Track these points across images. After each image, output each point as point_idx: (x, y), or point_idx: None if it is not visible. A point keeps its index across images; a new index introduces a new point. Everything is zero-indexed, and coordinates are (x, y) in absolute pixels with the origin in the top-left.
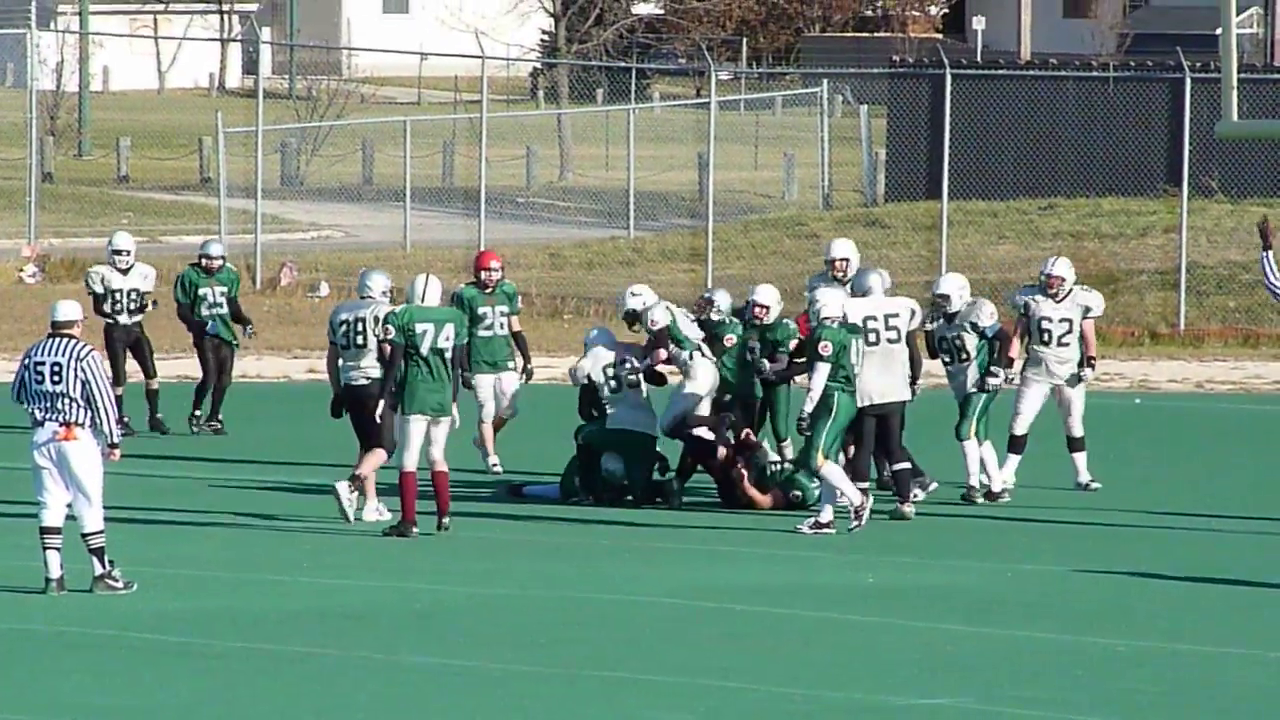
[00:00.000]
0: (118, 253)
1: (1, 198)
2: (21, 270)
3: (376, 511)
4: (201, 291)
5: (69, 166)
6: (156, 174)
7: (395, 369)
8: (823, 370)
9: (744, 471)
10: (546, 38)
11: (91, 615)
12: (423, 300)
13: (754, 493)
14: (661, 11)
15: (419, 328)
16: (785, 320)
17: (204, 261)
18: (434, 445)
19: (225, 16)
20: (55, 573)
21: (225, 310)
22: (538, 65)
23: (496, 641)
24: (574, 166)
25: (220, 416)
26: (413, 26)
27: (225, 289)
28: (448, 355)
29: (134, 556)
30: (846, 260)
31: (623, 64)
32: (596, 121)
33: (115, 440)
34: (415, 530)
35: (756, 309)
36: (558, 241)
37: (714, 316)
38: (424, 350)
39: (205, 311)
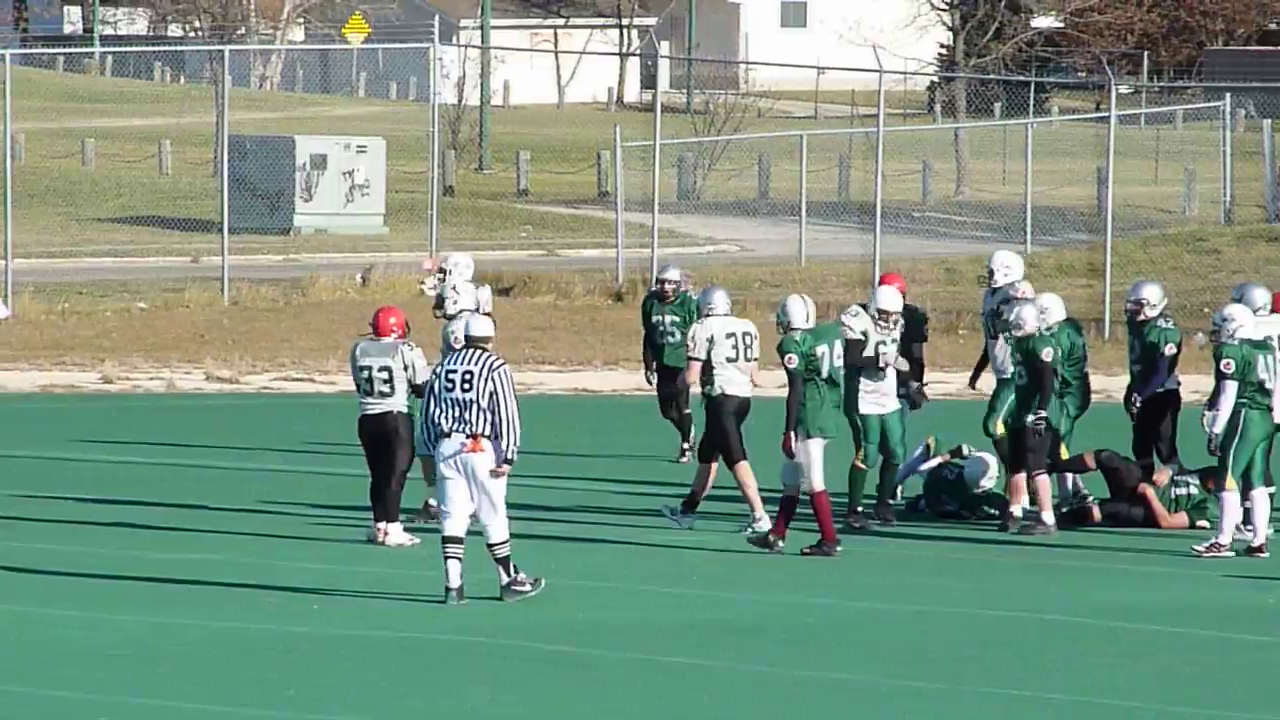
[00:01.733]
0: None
1: (404, 211)
2: (423, 283)
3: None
4: (654, 319)
5: (470, 180)
6: (555, 188)
7: (797, 395)
8: (1230, 389)
9: (1150, 491)
10: (945, 51)
11: (493, 626)
12: (807, 321)
13: (1162, 511)
14: (1062, 25)
15: (819, 350)
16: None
17: (664, 287)
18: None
19: (624, 31)
20: (455, 582)
21: (677, 339)
22: (935, 79)
23: (887, 656)
24: (970, 181)
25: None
26: (810, 40)
27: (677, 318)
28: (840, 375)
29: (531, 568)
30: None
31: (1021, 78)
32: (994, 136)
33: (511, 456)
34: (839, 549)
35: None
36: (953, 256)
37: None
38: (824, 372)
39: (658, 340)
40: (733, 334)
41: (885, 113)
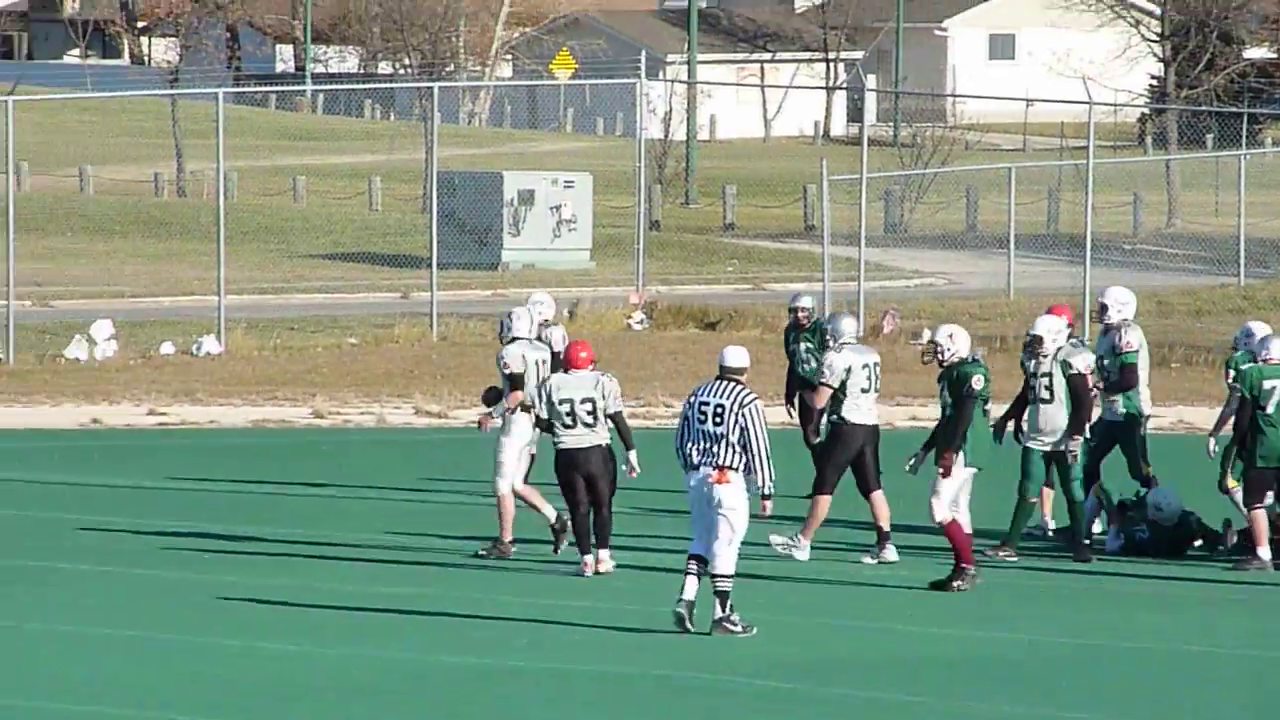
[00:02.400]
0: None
1: (610, 245)
2: (629, 317)
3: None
4: (791, 348)
5: (676, 214)
6: (761, 221)
7: (967, 418)
8: None
9: None
10: (1155, 83)
11: (706, 660)
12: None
13: None
14: (1275, 55)
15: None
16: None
17: (798, 314)
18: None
19: (831, 65)
20: (689, 595)
21: (813, 366)
22: (1146, 111)
23: (1097, 694)
24: (1182, 212)
25: None
26: (1018, 73)
27: (812, 345)
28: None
29: (738, 602)
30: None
31: (1234, 109)
32: (1206, 167)
33: (768, 491)
34: (976, 578)
35: None
36: (1165, 289)
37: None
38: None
39: (804, 368)
40: (867, 365)
41: (1095, 144)
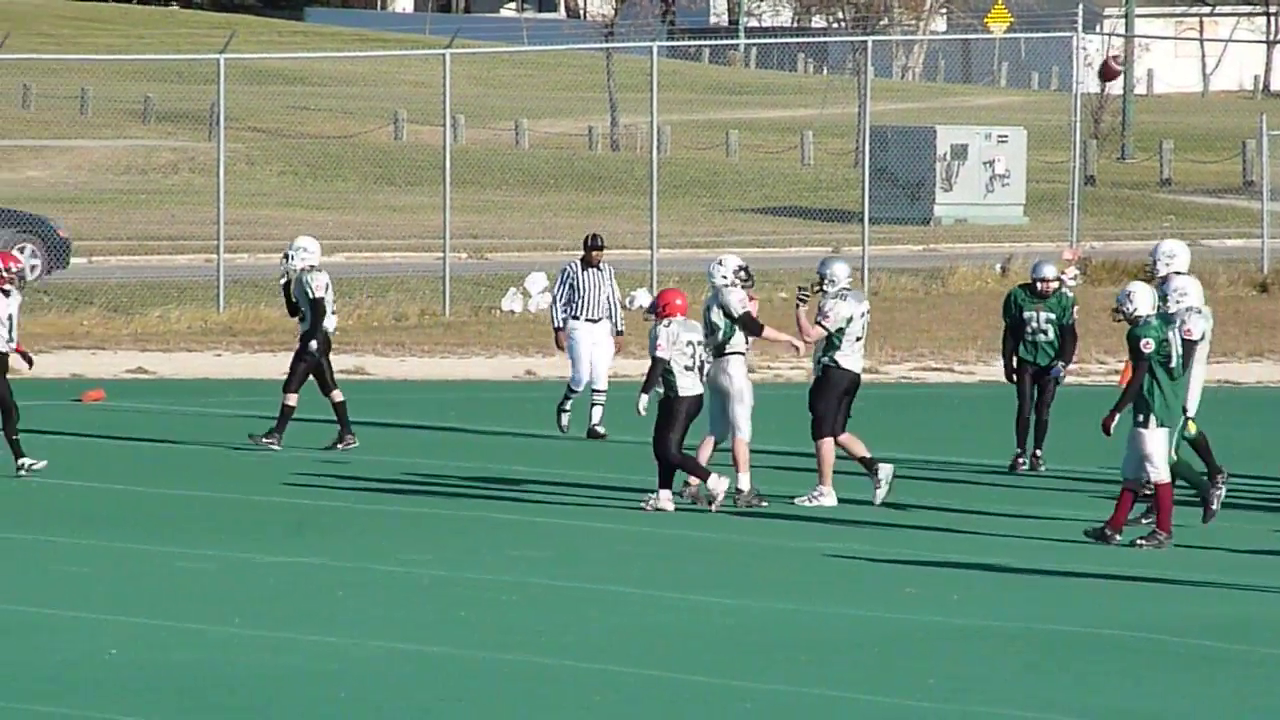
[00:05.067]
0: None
1: (1044, 201)
2: (1063, 273)
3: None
4: (1026, 314)
5: (1111, 169)
6: (1198, 177)
7: (1139, 380)
8: None
9: None
10: None
11: (1128, 618)
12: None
13: None
14: None
15: (1170, 336)
16: None
17: (1038, 285)
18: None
19: (1272, 18)
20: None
21: (1051, 337)
22: None
23: None
24: None
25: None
26: None
27: (1053, 315)
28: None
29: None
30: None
31: None
32: None
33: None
34: (1169, 540)
35: None
36: None
37: None
38: (1173, 361)
39: (1028, 337)
40: (865, 313)
41: None
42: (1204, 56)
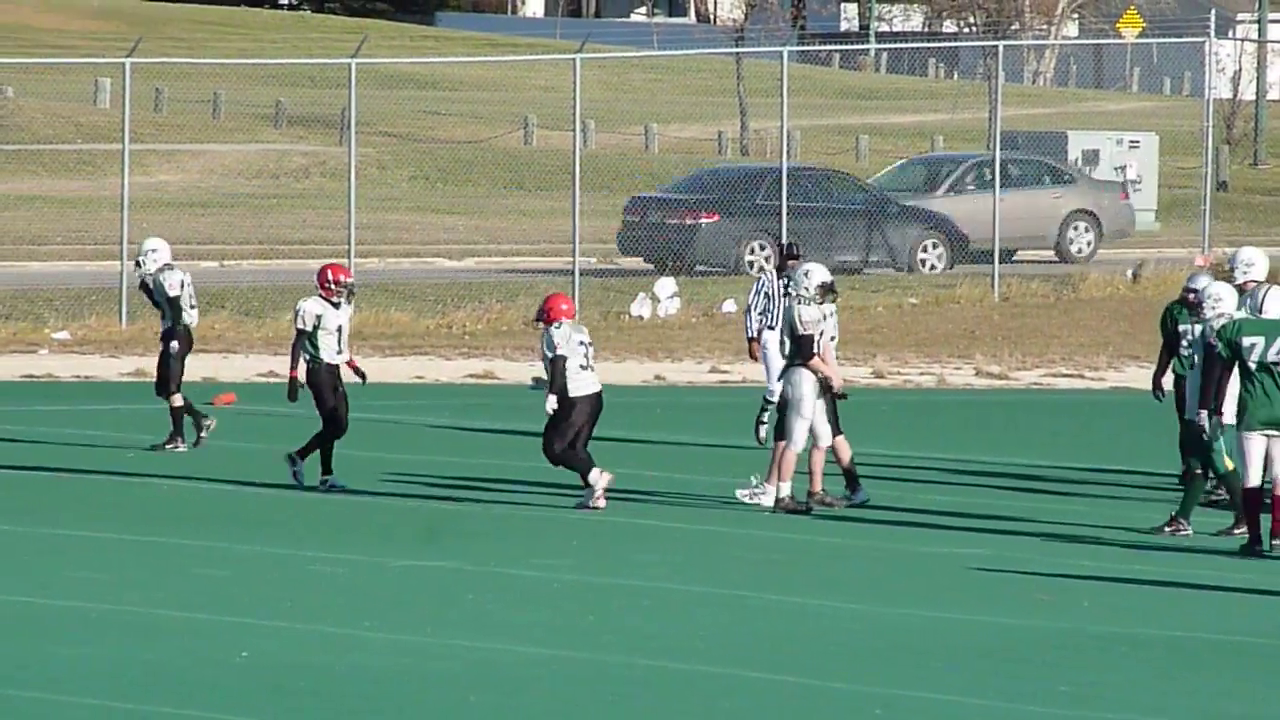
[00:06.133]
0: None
1: (1176, 207)
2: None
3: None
4: (1182, 328)
5: (1243, 175)
6: None
7: (1213, 378)
8: None
9: None
10: None
11: (1266, 627)
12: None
13: None
14: None
15: (1246, 341)
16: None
17: (1189, 296)
18: (1275, 463)
19: None
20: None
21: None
22: None
23: None
24: None
25: None
26: None
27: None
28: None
29: None
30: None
31: None
32: None
33: None
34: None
35: None
36: None
37: None
38: (1267, 360)
39: (1184, 351)
40: (831, 316)
41: None
42: None
